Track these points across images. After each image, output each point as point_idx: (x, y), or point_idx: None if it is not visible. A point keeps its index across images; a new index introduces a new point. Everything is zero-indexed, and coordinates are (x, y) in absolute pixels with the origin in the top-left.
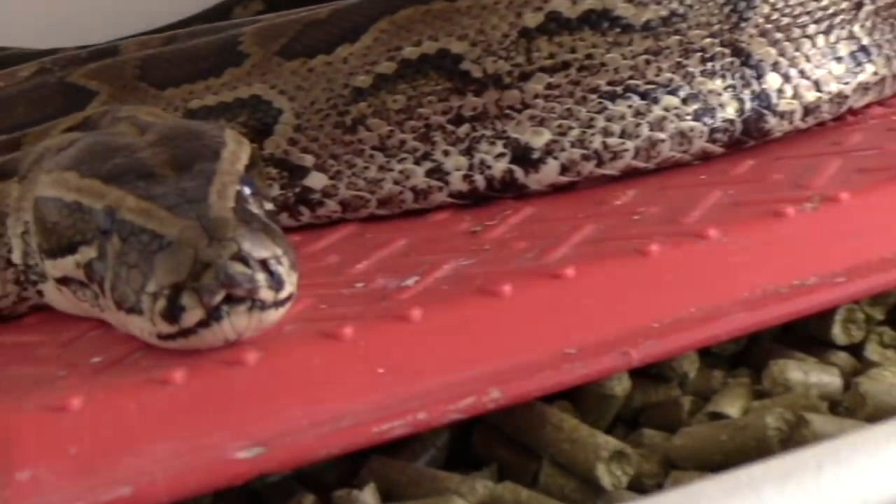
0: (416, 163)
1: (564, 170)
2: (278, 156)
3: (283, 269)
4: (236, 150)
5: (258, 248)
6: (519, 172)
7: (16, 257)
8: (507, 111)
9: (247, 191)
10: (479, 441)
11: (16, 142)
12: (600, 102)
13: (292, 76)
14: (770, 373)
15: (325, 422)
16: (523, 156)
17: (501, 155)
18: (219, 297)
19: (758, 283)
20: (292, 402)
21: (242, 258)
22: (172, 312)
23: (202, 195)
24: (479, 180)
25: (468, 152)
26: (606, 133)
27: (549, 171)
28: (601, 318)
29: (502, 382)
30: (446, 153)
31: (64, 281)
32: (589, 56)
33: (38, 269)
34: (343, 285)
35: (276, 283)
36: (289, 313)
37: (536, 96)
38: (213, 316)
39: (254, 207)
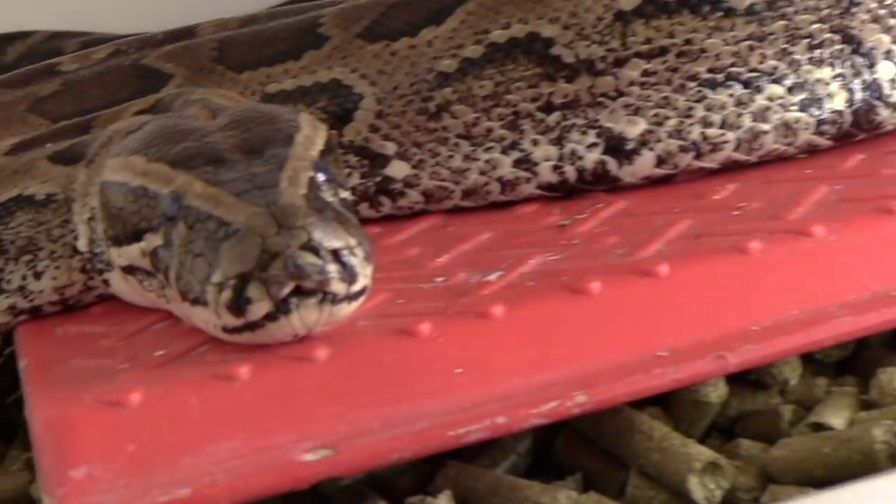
0: (504, 152)
1: (660, 162)
2: (358, 143)
3: (356, 261)
4: (311, 135)
5: (330, 238)
6: (612, 164)
7: (82, 245)
8: (601, 99)
9: (321, 177)
10: (564, 448)
11: (86, 125)
12: (700, 91)
13: (374, 60)
14: (878, 381)
15: (398, 423)
16: (617, 146)
17: (594, 145)
18: (287, 289)
19: (866, 284)
20: (363, 401)
21: (313, 248)
22: (238, 304)
23: (273, 181)
24: (570, 171)
25: (558, 142)
26: (706, 123)
27: (644, 163)
28: (696, 319)
29: (589, 386)
30: (535, 142)
31: (130, 270)
32: (688, 41)
33: (104, 257)
34: (422, 279)
35: (349, 274)
36: (363, 308)
37: (632, 83)
38: (281, 309)
39: (327, 195)
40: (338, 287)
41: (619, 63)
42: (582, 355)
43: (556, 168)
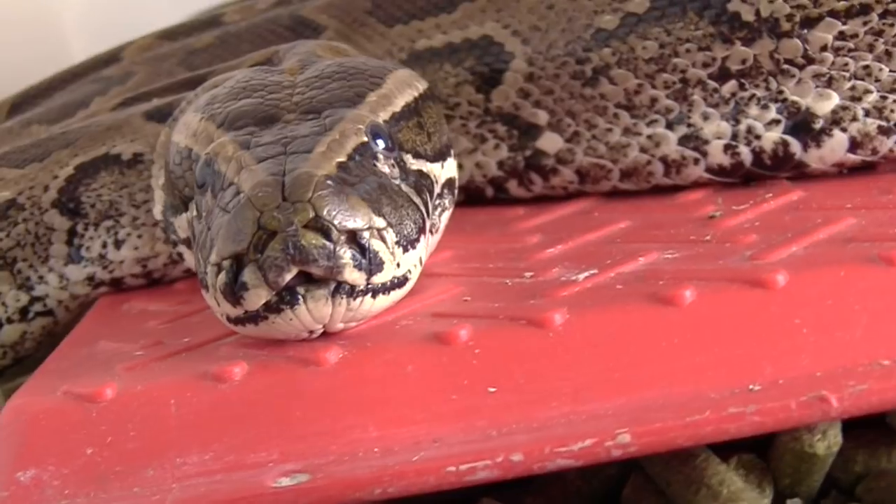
0: (669, 127)
1: (855, 146)
2: (507, 109)
3: (382, 246)
4: (390, 93)
5: (345, 216)
6: (795, 146)
7: (156, 212)
8: (785, 66)
9: (378, 144)
10: (630, 496)
11: (201, 79)
12: None
13: (529, 14)
14: None
15: (394, 450)
16: (803, 125)
17: (775, 122)
18: (289, 275)
19: None
20: (364, 419)
21: (321, 227)
22: (234, 290)
23: (308, 146)
24: (745, 153)
25: (733, 117)
26: None
27: (836, 147)
28: (806, 346)
29: (636, 422)
30: (706, 116)
31: (188, 243)
32: None
33: (175, 227)
34: (510, 274)
35: (371, 263)
36: (414, 302)
37: (824, 49)
38: (284, 299)
39: (383, 165)
40: (352, 276)
41: (809, 23)
42: (641, 383)
43: (728, 148)
